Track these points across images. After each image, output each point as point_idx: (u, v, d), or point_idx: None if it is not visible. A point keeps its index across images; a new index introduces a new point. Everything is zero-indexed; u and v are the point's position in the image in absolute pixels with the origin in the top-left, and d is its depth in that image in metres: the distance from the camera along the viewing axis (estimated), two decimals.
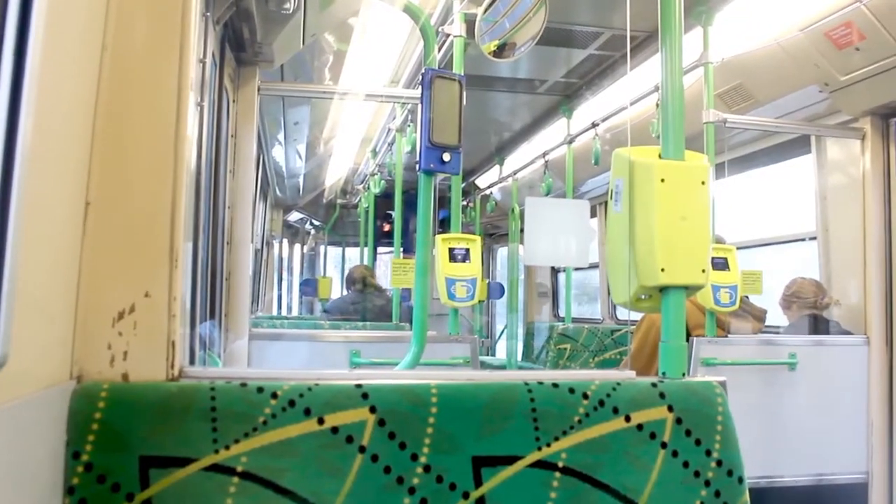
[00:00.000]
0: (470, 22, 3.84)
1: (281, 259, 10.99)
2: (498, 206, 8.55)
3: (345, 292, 6.79)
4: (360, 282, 6.24)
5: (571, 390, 1.43)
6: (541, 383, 1.43)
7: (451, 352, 3.61)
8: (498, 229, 9.91)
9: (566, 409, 1.41)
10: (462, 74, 2.81)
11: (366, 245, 8.32)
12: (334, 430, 1.31)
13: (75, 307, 1.25)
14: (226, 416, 1.28)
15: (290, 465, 1.28)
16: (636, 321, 4.26)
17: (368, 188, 7.52)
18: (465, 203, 8.78)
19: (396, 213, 5.92)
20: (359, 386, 1.35)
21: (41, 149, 0.98)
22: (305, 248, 11.59)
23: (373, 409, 1.33)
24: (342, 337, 3.77)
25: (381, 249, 9.22)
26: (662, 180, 1.52)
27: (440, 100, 2.38)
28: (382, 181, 7.10)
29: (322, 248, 11.15)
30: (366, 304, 6.15)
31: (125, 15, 1.33)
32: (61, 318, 1.20)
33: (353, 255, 10.78)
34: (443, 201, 8.80)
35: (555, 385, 1.43)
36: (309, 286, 9.08)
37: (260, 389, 1.31)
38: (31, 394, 1.07)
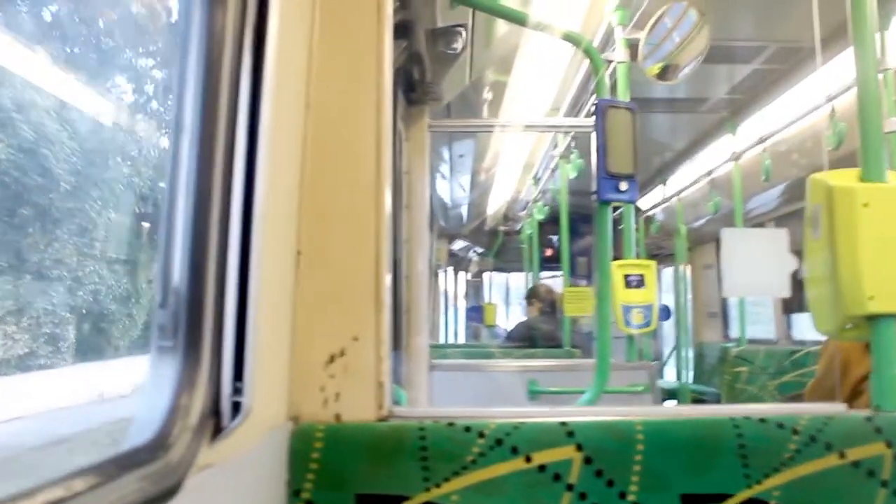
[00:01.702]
0: (631, 47, 3.83)
1: (446, 287, 11.15)
2: (662, 227, 8.38)
3: (522, 318, 6.77)
4: (551, 304, 6.21)
5: (780, 425, 1.38)
6: (747, 418, 1.39)
7: (629, 379, 3.56)
8: (662, 250, 9.71)
9: (776, 446, 1.37)
10: (633, 102, 2.80)
11: (530, 271, 8.33)
12: (541, 468, 1.33)
13: (290, 352, 1.33)
14: (436, 455, 1.32)
15: None
16: (817, 342, 4.07)
17: (531, 214, 7.54)
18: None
19: (563, 239, 5.90)
20: (563, 423, 1.36)
21: (267, 203, 1.05)
22: (469, 275, 11.73)
23: (579, 447, 1.34)
24: (518, 366, 3.79)
25: (543, 274, 9.21)
26: (865, 205, 1.46)
27: (613, 129, 2.38)
28: (545, 207, 7.11)
29: (486, 275, 11.25)
30: (539, 330, 6.15)
31: (326, 73, 1.41)
32: (280, 363, 1.28)
33: (517, 282, 10.83)
34: None
35: (762, 420, 1.39)
36: (475, 313, 9.17)
37: (467, 429, 1.34)
38: (261, 437, 1.14)
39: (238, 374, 0.95)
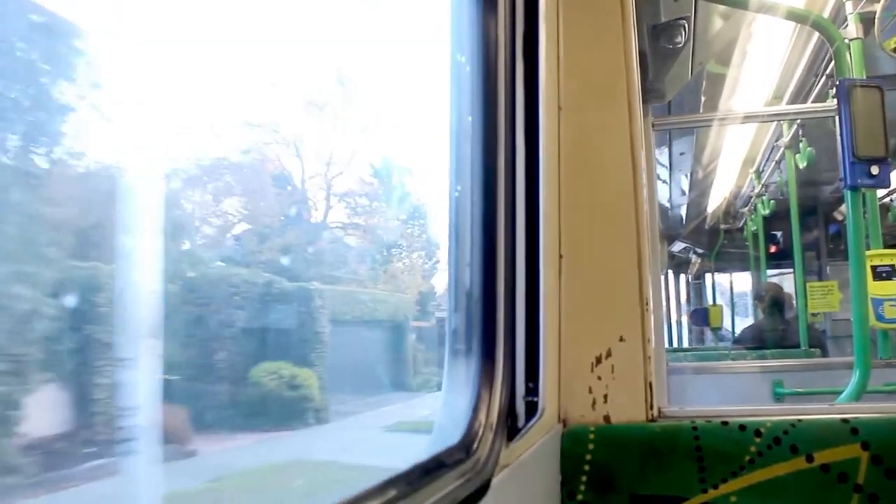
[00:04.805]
0: (863, 21, 3.60)
1: (667, 290, 10.87)
2: None
3: (750, 320, 6.48)
4: (779, 305, 5.95)
5: None
6: None
7: (882, 378, 3.33)
8: None
9: None
10: (880, 79, 2.62)
11: (755, 270, 7.97)
12: (824, 468, 1.26)
13: (558, 354, 1.33)
14: (711, 455, 1.28)
15: None
16: None
17: (755, 210, 7.22)
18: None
19: (794, 233, 5.59)
20: (845, 420, 1.29)
21: (543, 207, 1.06)
22: (690, 277, 11.40)
23: (865, 446, 1.26)
24: (760, 367, 3.64)
25: (768, 272, 8.79)
26: None
27: (860, 110, 2.25)
28: (771, 201, 6.78)
29: (708, 276, 10.89)
30: (775, 331, 5.87)
31: (572, 74, 1.41)
32: (551, 365, 1.29)
33: (741, 282, 10.41)
34: (827, 216, 8.12)
35: None
36: (699, 315, 8.88)
37: (742, 427, 1.30)
38: (543, 438, 1.15)
39: (528, 375, 0.96)
